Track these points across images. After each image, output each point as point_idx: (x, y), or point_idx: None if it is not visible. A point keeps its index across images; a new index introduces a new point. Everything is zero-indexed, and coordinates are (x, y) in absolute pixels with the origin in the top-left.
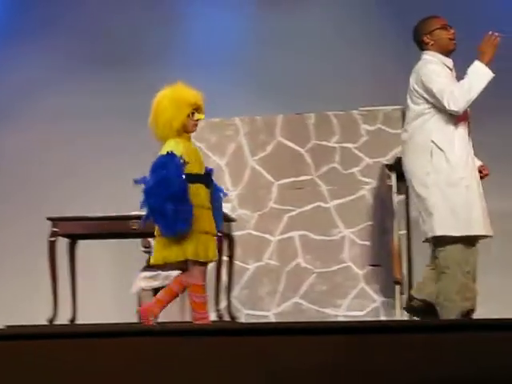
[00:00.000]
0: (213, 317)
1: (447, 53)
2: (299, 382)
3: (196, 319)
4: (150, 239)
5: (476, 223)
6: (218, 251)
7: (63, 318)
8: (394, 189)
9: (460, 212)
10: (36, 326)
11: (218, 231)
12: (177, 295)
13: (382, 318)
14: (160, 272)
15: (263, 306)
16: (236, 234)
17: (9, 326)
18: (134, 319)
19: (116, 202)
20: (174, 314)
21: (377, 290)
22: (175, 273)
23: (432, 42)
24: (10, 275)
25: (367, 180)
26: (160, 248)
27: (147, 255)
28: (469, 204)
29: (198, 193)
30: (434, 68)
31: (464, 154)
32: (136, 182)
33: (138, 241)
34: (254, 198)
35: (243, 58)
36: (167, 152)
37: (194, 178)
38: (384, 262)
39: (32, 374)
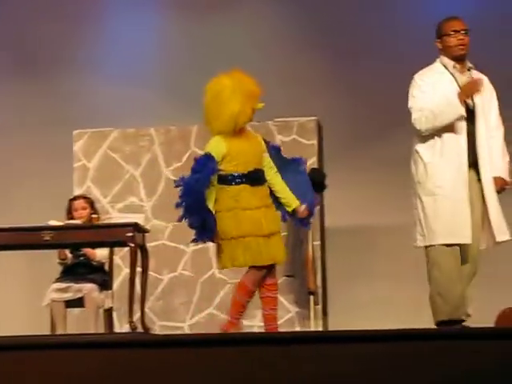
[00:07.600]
0: (126, 328)
1: (455, 58)
2: None
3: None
4: (66, 251)
5: (436, 233)
6: (132, 263)
7: None
8: None
9: (424, 222)
10: None
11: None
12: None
13: (297, 328)
14: (72, 284)
15: (177, 317)
16: (150, 244)
17: None
18: (47, 331)
19: (29, 213)
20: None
21: (291, 300)
22: (88, 286)
23: (441, 47)
24: None
25: None
26: None
27: (62, 267)
28: (436, 214)
29: None
30: (417, 82)
31: (442, 164)
32: None
33: (52, 252)
34: (169, 209)
35: (158, 68)
36: None
37: None
38: (298, 272)
39: None
